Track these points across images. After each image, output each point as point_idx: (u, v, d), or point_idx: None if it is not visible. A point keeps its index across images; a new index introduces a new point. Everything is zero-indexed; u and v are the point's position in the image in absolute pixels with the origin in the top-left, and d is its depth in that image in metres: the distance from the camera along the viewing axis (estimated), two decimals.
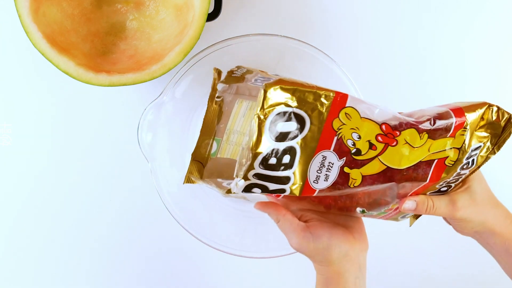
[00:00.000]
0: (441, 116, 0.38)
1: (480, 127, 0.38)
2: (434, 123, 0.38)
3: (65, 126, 0.59)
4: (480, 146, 0.38)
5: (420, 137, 0.38)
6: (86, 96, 0.59)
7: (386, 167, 0.38)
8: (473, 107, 0.38)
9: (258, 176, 0.39)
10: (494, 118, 0.38)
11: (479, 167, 0.40)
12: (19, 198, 0.59)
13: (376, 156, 0.38)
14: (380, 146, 0.38)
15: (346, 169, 0.39)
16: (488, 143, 0.39)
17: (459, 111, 0.38)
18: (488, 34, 0.61)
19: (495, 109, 0.38)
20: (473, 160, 0.39)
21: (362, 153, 0.38)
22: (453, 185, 0.41)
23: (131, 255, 0.60)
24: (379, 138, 0.38)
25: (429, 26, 0.61)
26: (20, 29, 0.49)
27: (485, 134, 0.38)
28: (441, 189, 0.41)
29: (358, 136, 0.38)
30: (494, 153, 0.39)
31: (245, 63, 0.56)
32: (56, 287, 0.60)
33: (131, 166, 0.59)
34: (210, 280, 0.60)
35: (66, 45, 0.51)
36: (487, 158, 0.39)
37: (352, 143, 0.38)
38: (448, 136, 0.37)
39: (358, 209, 0.43)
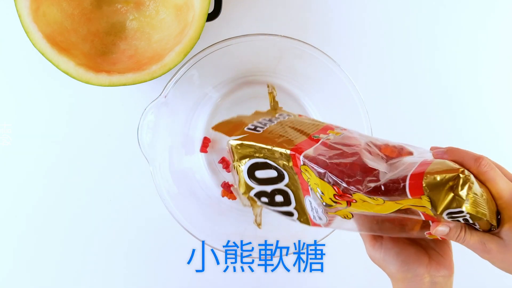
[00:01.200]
0: (393, 182, 0.34)
1: (453, 196, 0.32)
2: (382, 190, 0.34)
3: (65, 126, 0.59)
4: (462, 211, 0.32)
5: (374, 199, 0.35)
6: (86, 96, 0.59)
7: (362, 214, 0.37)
8: (440, 173, 0.32)
9: (267, 208, 0.45)
10: (462, 191, 0.31)
11: (491, 225, 0.33)
12: (18, 198, 0.59)
13: (346, 207, 0.37)
14: (343, 203, 0.37)
15: (330, 213, 0.39)
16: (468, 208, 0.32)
17: (418, 178, 0.32)
18: (503, 40, 0.61)
19: (461, 181, 0.31)
20: (465, 219, 0.32)
21: (332, 207, 0.38)
22: (477, 224, 0.34)
23: (131, 255, 0.60)
24: (337, 197, 0.37)
25: (434, 27, 0.61)
26: (20, 29, 0.49)
27: (459, 199, 0.32)
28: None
29: (321, 192, 0.38)
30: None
31: (245, 63, 0.56)
32: (54, 286, 0.60)
33: (131, 166, 0.59)
34: (210, 280, 0.60)
35: (66, 45, 0.51)
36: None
37: (320, 197, 0.38)
38: (409, 198, 0.33)
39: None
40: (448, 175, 0.31)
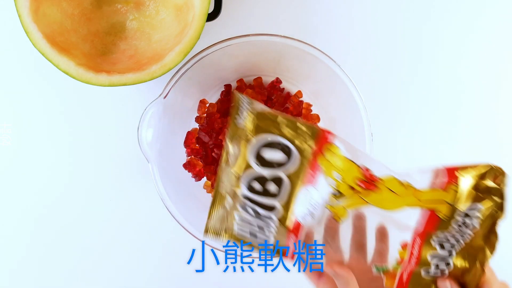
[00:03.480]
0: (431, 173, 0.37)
1: (481, 189, 0.36)
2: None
3: (65, 126, 0.59)
4: (480, 208, 0.36)
5: (404, 186, 0.37)
6: (86, 96, 0.59)
7: (367, 203, 0.38)
8: (472, 167, 0.36)
9: (246, 197, 0.40)
10: (492, 182, 0.35)
11: (488, 235, 0.36)
12: (18, 198, 0.59)
13: (357, 194, 0.38)
14: (360, 190, 0.37)
15: (328, 206, 0.39)
16: (491, 205, 0.36)
17: (453, 169, 0.36)
18: (495, 39, 0.61)
19: (495, 172, 0.35)
20: (472, 223, 0.36)
21: (341, 196, 0.38)
22: (453, 252, 0.37)
23: (131, 255, 0.60)
24: (359, 183, 0.37)
25: (434, 26, 0.61)
26: (20, 29, 0.49)
27: (486, 195, 0.36)
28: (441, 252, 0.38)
29: (339, 177, 0.37)
30: (499, 216, 0.36)
31: (245, 63, 0.56)
32: (53, 285, 0.60)
33: (131, 166, 0.59)
34: (210, 280, 0.60)
35: (66, 45, 0.51)
36: (493, 223, 0.36)
37: (334, 183, 0.38)
38: (437, 188, 0.36)
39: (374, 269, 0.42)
40: (483, 168, 0.35)
